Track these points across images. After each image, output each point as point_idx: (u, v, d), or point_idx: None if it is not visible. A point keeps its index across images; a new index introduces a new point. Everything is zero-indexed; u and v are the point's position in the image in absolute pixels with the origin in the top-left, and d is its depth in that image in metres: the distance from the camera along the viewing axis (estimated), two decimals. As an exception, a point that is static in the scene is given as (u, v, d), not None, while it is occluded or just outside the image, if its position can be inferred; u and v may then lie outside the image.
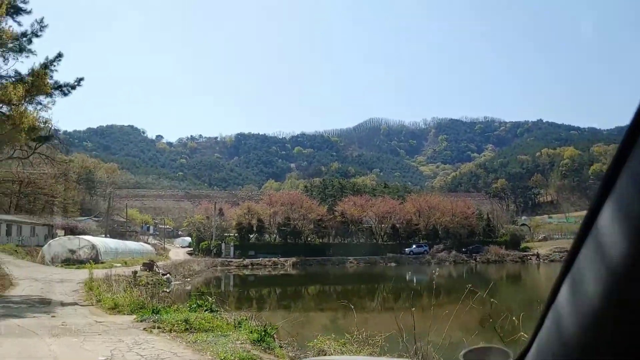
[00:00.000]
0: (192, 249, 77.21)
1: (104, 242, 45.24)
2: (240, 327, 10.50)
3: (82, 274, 24.44)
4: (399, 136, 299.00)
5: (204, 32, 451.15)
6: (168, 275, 36.39)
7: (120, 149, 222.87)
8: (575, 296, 0.90)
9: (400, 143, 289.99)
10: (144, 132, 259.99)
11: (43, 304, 14.97)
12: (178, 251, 74.36)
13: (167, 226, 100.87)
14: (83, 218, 69.35)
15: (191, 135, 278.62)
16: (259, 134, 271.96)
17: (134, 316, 12.59)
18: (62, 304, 15.28)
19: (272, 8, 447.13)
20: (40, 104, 19.21)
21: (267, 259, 65.58)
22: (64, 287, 20.54)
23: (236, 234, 73.63)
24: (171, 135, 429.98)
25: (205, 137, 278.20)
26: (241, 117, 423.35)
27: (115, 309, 14.36)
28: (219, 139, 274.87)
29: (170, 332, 10.25)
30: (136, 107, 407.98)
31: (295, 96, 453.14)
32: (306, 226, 74.89)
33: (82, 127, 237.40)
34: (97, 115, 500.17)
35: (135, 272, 29.18)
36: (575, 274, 0.91)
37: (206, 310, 12.23)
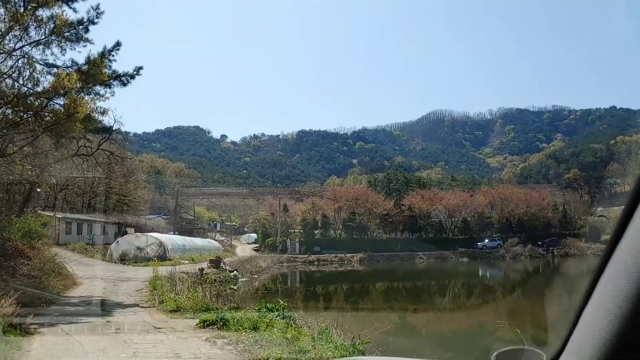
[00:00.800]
0: (258, 245, 77.03)
1: (171, 239, 45.10)
2: (321, 338, 8.75)
3: (148, 271, 23.70)
4: (464, 128, 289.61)
5: (263, 32, 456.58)
6: (235, 272, 35.56)
7: (187, 149, 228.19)
8: (614, 294, 0.82)
9: (466, 135, 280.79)
10: (209, 132, 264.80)
11: (101, 306, 13.95)
12: (244, 247, 74.35)
13: (234, 223, 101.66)
14: (152, 216, 70.54)
15: (254, 134, 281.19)
16: (320, 130, 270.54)
17: (197, 320, 11.21)
18: (122, 306, 14.23)
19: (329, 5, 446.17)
20: (98, 94, 18.36)
21: (333, 255, 64.28)
22: (127, 286, 19.73)
23: (301, 230, 72.82)
24: (235, 135, 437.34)
25: (267, 136, 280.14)
26: (303, 114, 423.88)
27: (177, 311, 13.10)
28: (281, 137, 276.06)
29: (237, 343, 8.69)
30: (201, 109, 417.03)
31: (355, 91, 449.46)
32: (372, 221, 72.98)
33: (150, 129, 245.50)
34: (164, 118, 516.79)
35: (201, 270, 28.34)
36: (614, 270, 0.84)
37: (277, 315, 10.59)
